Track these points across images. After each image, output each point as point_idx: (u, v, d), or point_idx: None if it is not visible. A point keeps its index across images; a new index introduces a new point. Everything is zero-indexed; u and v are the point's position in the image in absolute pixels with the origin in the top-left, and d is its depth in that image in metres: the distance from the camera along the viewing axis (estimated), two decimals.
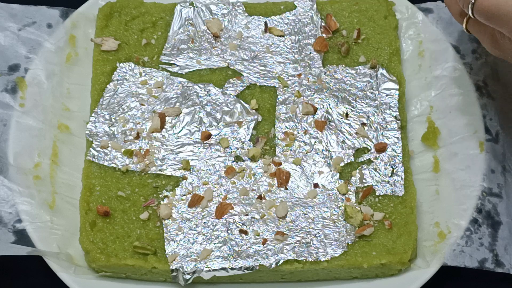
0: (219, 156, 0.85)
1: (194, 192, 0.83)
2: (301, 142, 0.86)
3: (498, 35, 0.73)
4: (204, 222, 0.81)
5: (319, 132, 0.86)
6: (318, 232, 0.80)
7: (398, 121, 0.86)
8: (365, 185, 0.83)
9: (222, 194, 0.83)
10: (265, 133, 0.86)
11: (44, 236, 0.81)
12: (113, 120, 0.86)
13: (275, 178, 0.83)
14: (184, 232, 0.80)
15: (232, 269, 0.78)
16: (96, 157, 0.84)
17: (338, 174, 0.84)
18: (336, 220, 0.81)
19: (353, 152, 0.85)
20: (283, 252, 0.79)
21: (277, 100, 0.88)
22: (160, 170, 0.84)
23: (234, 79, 0.89)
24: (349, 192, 0.83)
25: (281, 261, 0.78)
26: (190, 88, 0.88)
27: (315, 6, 0.93)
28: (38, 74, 0.90)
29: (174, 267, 0.78)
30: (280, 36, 0.92)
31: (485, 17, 0.70)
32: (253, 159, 0.84)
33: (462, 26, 0.77)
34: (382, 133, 0.86)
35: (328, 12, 0.93)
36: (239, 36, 0.92)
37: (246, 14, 0.93)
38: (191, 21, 0.92)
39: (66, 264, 0.80)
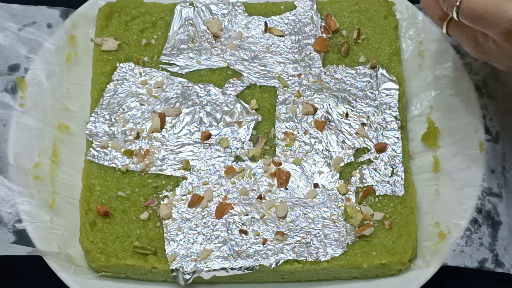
0: (219, 156, 0.85)
1: (194, 192, 0.83)
2: (301, 142, 0.86)
3: (481, 37, 0.72)
4: (204, 222, 0.81)
5: (319, 132, 0.86)
6: (318, 232, 0.80)
7: (398, 121, 0.86)
8: (365, 185, 0.83)
9: (222, 194, 0.83)
10: (265, 133, 0.86)
11: (44, 236, 0.81)
12: (113, 120, 0.86)
13: (275, 178, 0.83)
14: (184, 232, 0.80)
15: (232, 269, 0.78)
16: (96, 157, 0.84)
17: (338, 174, 0.84)
18: (336, 220, 0.81)
19: (353, 152, 0.85)
20: (283, 252, 0.79)
21: (277, 100, 0.88)
22: (160, 170, 0.84)
23: (234, 79, 0.89)
24: (349, 192, 0.83)
25: (281, 261, 0.78)
26: (190, 88, 0.88)
27: (315, 6, 0.93)
28: (38, 74, 0.90)
29: (174, 267, 0.78)
30: (280, 36, 0.92)
31: (471, 19, 0.68)
32: (253, 159, 0.84)
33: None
34: (382, 133, 0.86)
35: (328, 12, 0.93)
36: (239, 36, 0.92)
37: (246, 14, 0.93)
38: (191, 21, 0.92)
39: (66, 264, 0.80)
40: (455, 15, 0.70)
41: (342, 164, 0.84)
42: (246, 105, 0.87)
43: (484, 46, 0.72)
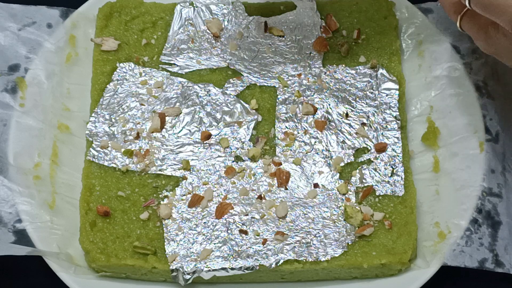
0: (219, 156, 0.85)
1: (194, 192, 0.83)
2: (301, 142, 0.86)
3: (492, 31, 0.73)
4: (204, 222, 0.81)
5: (319, 132, 0.86)
6: (318, 232, 0.80)
7: (398, 121, 0.86)
8: (365, 185, 0.83)
9: (222, 194, 0.83)
10: (265, 133, 0.86)
11: (44, 236, 0.81)
12: (113, 120, 0.86)
13: (275, 178, 0.83)
14: (184, 232, 0.80)
15: (232, 269, 0.78)
16: (96, 157, 0.84)
17: (338, 174, 0.84)
18: (336, 220, 0.81)
19: (353, 152, 0.85)
20: (283, 252, 0.79)
21: (277, 100, 0.88)
22: (160, 170, 0.84)
23: (234, 79, 0.89)
24: (349, 192, 0.83)
25: (281, 261, 0.78)
26: (190, 88, 0.88)
27: (315, 6, 0.93)
28: (38, 74, 0.90)
29: (174, 267, 0.78)
30: (280, 36, 0.92)
31: (483, 6, 0.70)
32: (253, 159, 0.84)
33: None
34: (382, 133, 0.86)
35: (328, 12, 0.93)
36: (239, 36, 0.92)
37: (246, 14, 0.93)
38: (191, 21, 0.92)
39: (66, 264, 0.80)
40: (467, 3, 0.71)
41: (342, 164, 0.84)
42: (246, 105, 0.87)
43: (495, 40, 0.73)
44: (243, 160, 0.85)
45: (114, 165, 0.84)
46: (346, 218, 0.81)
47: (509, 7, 0.67)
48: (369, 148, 0.85)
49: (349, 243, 0.80)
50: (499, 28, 0.72)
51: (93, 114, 0.87)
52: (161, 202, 0.82)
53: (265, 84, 0.89)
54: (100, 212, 0.81)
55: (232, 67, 0.90)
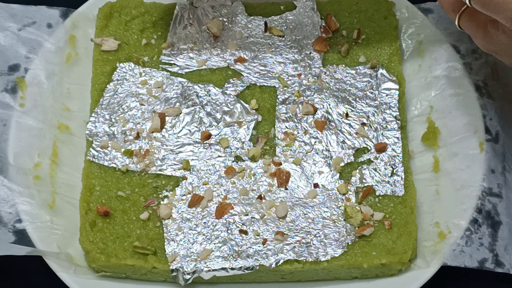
0: (219, 156, 0.85)
1: (194, 192, 0.83)
2: (301, 142, 0.86)
3: (491, 29, 0.73)
4: (204, 222, 0.81)
5: (319, 132, 0.86)
6: (318, 232, 0.80)
7: (398, 121, 0.86)
8: (365, 185, 0.83)
9: (222, 194, 0.83)
10: (265, 133, 0.86)
11: (44, 236, 0.81)
12: (113, 120, 0.86)
13: (275, 178, 0.83)
14: (184, 232, 0.80)
15: (232, 269, 0.78)
16: (96, 157, 0.84)
17: (338, 174, 0.84)
18: (336, 220, 0.81)
19: (353, 152, 0.85)
20: (283, 252, 0.79)
21: (277, 100, 0.88)
22: (160, 170, 0.84)
23: (234, 79, 0.89)
24: (349, 192, 0.83)
25: (281, 261, 0.78)
26: (190, 88, 0.88)
27: (315, 6, 0.93)
28: (38, 74, 0.90)
29: (174, 267, 0.78)
30: (280, 36, 0.92)
31: (483, 3, 0.69)
32: (253, 159, 0.84)
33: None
34: (382, 133, 0.86)
35: (328, 12, 0.93)
36: (239, 36, 0.92)
37: (246, 14, 0.93)
38: (191, 21, 0.92)
39: (66, 264, 0.80)
40: (467, 0, 0.71)
41: (342, 164, 0.84)
42: (246, 105, 0.87)
43: (494, 38, 0.73)
44: (243, 160, 0.85)
45: (114, 165, 0.84)
46: (346, 218, 0.81)
47: (509, 4, 0.67)
48: (369, 148, 0.85)
49: (349, 243, 0.80)
50: (498, 25, 0.72)
51: (93, 114, 0.87)
52: (161, 202, 0.82)
53: (265, 84, 0.89)
54: (100, 212, 0.81)
55: (232, 67, 0.90)
